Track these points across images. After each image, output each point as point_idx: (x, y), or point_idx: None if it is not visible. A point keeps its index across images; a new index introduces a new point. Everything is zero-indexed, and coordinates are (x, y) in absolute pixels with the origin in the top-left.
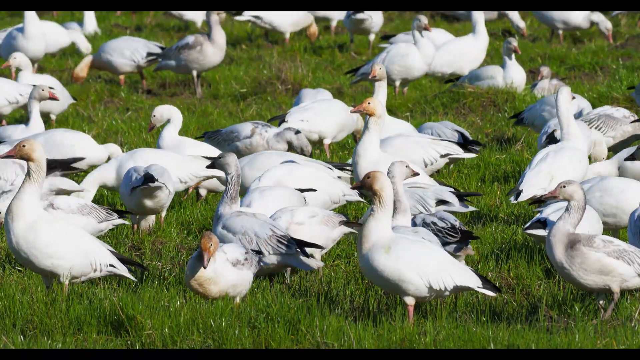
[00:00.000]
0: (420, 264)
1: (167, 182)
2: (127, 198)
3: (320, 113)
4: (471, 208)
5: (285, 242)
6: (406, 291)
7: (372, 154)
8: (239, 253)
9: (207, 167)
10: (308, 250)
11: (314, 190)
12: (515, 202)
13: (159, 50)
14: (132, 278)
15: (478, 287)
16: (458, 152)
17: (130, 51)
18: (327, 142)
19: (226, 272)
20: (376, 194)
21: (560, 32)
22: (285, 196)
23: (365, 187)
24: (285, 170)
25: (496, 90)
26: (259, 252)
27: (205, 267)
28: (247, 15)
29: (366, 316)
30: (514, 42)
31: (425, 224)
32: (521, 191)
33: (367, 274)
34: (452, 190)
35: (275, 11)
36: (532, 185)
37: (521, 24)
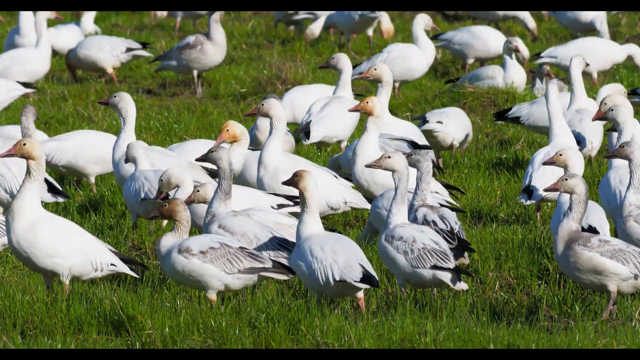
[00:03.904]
0: (312, 258)
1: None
2: (134, 204)
3: (335, 117)
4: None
5: (286, 245)
6: (305, 283)
7: (370, 153)
8: (196, 243)
9: (197, 159)
10: None
11: (292, 203)
12: (528, 203)
13: (138, 46)
14: (134, 274)
15: (355, 281)
16: None
17: (109, 45)
18: (343, 145)
19: (169, 255)
20: (301, 193)
21: (579, 34)
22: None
23: (293, 185)
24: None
25: (496, 90)
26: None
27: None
28: (317, 31)
29: (366, 316)
30: (515, 42)
31: (425, 222)
32: (532, 191)
33: None
34: (444, 204)
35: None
36: (542, 185)
37: (531, 24)
